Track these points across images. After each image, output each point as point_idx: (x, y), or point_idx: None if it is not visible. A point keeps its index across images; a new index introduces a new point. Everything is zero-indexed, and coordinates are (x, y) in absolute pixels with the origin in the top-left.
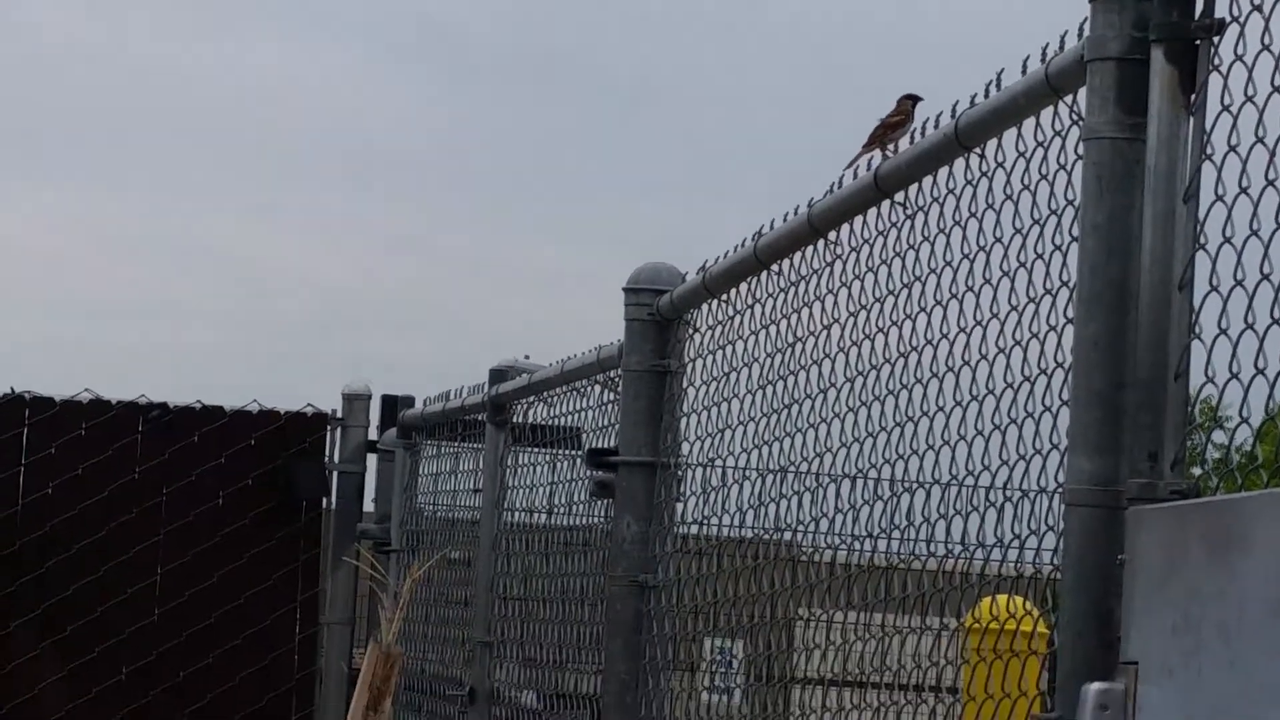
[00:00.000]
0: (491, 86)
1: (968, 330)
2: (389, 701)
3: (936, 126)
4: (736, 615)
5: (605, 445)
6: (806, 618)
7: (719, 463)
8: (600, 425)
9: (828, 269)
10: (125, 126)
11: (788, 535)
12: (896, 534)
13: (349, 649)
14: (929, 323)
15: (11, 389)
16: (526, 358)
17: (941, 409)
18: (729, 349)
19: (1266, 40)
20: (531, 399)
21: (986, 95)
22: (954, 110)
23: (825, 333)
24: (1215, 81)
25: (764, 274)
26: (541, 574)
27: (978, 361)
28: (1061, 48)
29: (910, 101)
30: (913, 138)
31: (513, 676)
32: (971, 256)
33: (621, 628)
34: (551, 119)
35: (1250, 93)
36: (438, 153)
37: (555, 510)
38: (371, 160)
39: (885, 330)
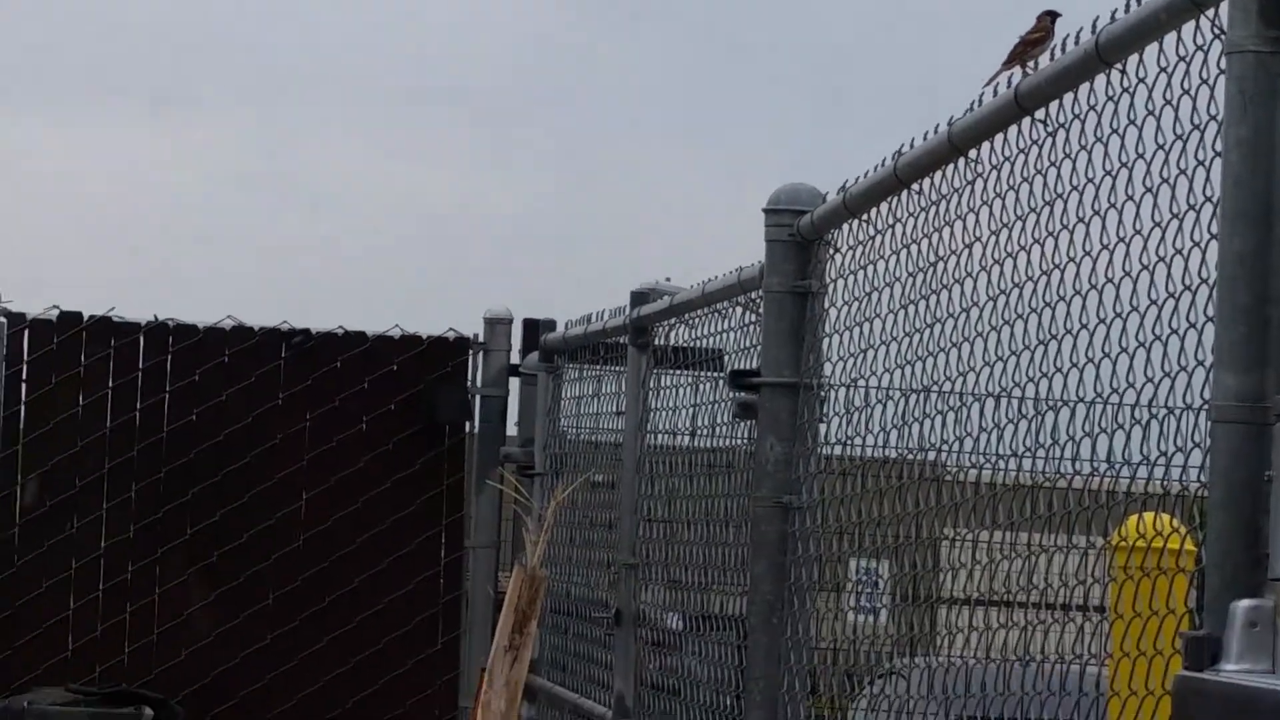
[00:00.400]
0: (627, 13)
1: (1110, 247)
2: (535, 624)
3: (1076, 43)
4: (881, 535)
5: (747, 367)
6: (952, 537)
7: (862, 383)
8: (742, 347)
9: (968, 187)
10: (263, 61)
11: (932, 455)
12: (1041, 452)
13: (494, 572)
14: (1071, 240)
15: (155, 316)
16: (668, 280)
17: (1085, 326)
18: (870, 269)
19: None
20: (673, 321)
21: (1127, 10)
22: (1094, 26)
23: (966, 251)
24: None
25: (904, 193)
26: (685, 496)
27: (1121, 278)
28: None
29: (1049, 17)
30: (1052, 54)
31: (658, 598)
32: (1113, 173)
33: (766, 549)
34: (689, 45)
35: None
36: (575, 78)
37: (698, 432)
38: (506, 88)
39: (1027, 248)
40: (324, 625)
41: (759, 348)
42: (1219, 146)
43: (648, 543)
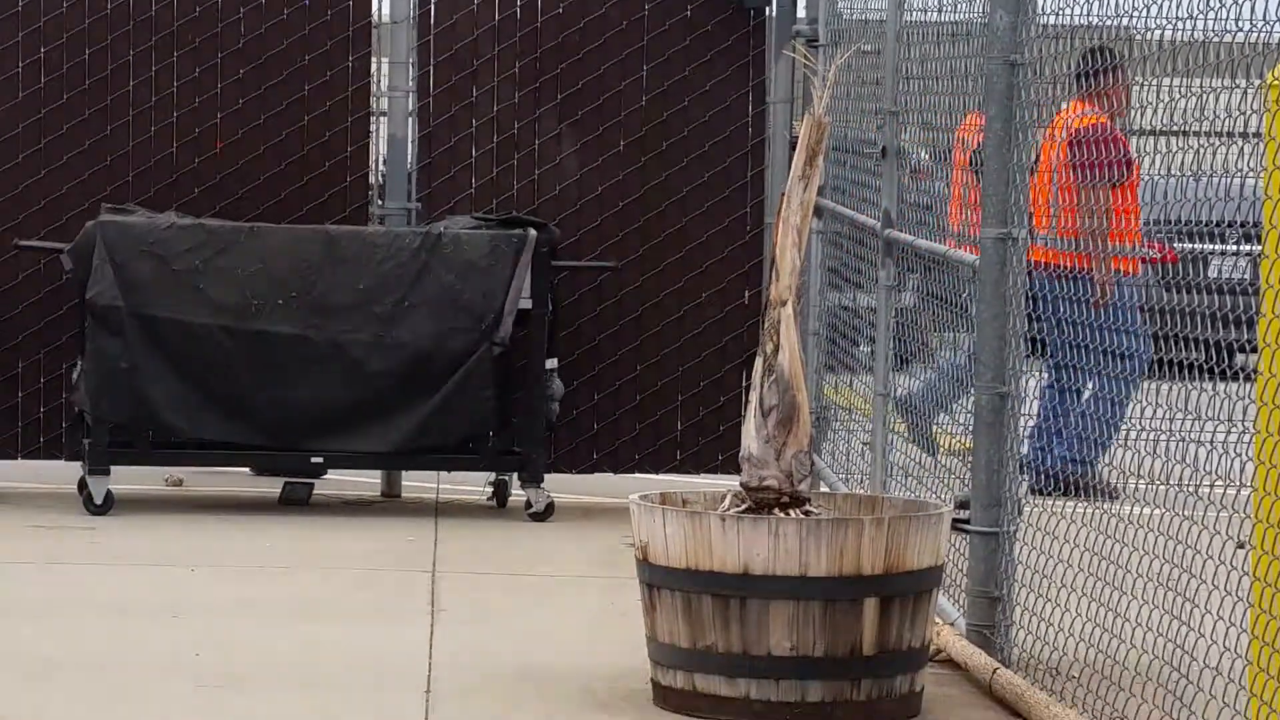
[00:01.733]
0: None
1: None
2: (820, 158)
3: None
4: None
5: None
6: (1140, 83)
7: None
8: None
9: None
10: None
11: (1126, 20)
12: (1211, 14)
13: (789, 121)
14: None
15: None
16: None
17: None
18: None
19: None
20: None
21: None
22: None
23: None
24: None
25: None
26: (934, 58)
27: None
28: None
29: None
30: None
31: (914, 138)
32: None
33: (997, 97)
34: None
35: None
36: None
37: (943, 8)
38: None
39: None
40: (661, 164)
41: None
42: None
43: (906, 95)
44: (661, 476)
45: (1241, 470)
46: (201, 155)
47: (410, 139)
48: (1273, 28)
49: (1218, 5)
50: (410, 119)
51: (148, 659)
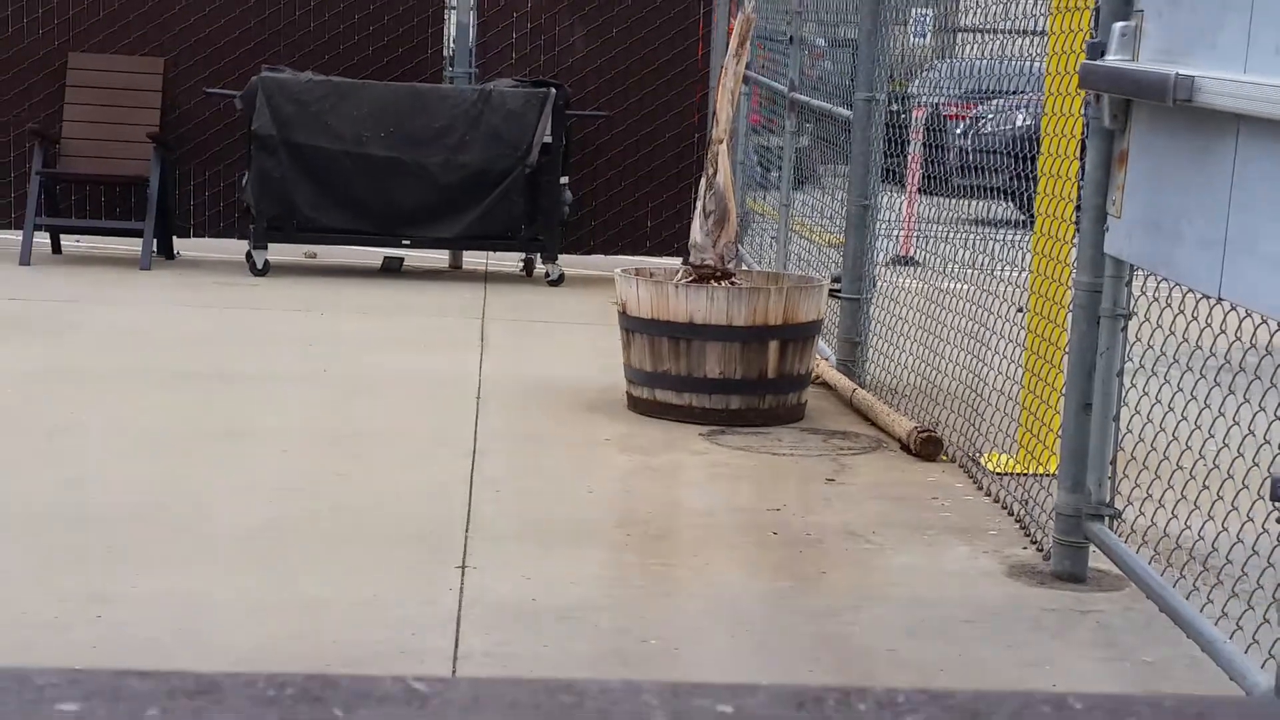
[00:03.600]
0: None
1: None
2: (748, 42)
3: None
4: None
5: None
6: None
7: None
8: None
9: None
10: None
11: None
12: None
13: (728, 15)
14: None
15: None
16: None
17: None
18: None
19: None
20: None
21: None
22: None
23: None
24: None
25: None
26: None
27: None
28: None
29: None
30: None
31: (814, 32)
32: None
33: (868, 2)
34: None
35: None
36: None
37: None
38: None
39: None
40: (641, 45)
41: None
42: None
43: None
44: (636, 258)
45: (1022, 258)
46: (329, 32)
47: (471, 24)
48: None
49: None
50: (471, 10)
51: (292, 374)
